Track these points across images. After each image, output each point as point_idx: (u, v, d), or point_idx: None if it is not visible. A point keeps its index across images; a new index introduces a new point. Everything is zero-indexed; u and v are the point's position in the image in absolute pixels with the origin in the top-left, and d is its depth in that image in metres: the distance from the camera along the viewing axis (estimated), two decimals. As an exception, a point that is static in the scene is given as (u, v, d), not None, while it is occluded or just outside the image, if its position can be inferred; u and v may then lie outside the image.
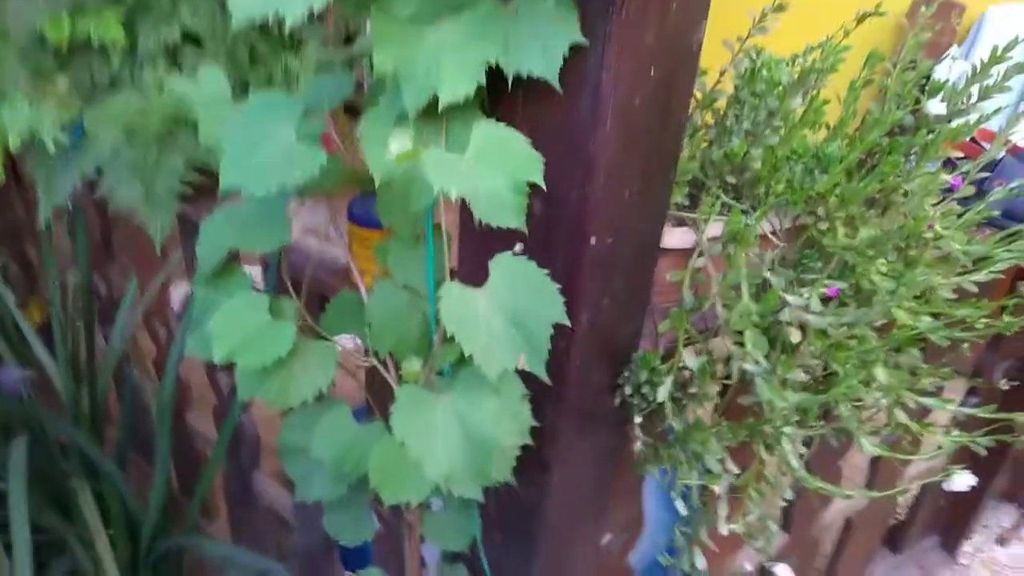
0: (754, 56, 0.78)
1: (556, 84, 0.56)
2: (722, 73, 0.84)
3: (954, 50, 1.80)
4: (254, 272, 0.81)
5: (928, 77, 0.86)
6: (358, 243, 0.88)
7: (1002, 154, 1.11)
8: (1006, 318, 0.79)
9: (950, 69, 1.86)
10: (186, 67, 1.00)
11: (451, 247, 0.73)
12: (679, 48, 0.63)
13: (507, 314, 0.60)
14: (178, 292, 1.70)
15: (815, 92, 0.78)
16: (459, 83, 0.55)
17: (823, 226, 0.81)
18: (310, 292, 0.85)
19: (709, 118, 0.87)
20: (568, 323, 0.62)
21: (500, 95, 0.60)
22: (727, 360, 0.77)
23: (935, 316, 0.78)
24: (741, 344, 0.75)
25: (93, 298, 1.51)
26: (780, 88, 0.77)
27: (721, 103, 0.86)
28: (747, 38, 0.82)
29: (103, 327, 1.60)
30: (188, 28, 1.02)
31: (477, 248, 0.72)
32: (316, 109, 0.69)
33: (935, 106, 0.72)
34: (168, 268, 1.36)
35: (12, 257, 1.99)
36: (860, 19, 0.83)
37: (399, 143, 0.56)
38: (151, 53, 1.00)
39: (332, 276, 0.96)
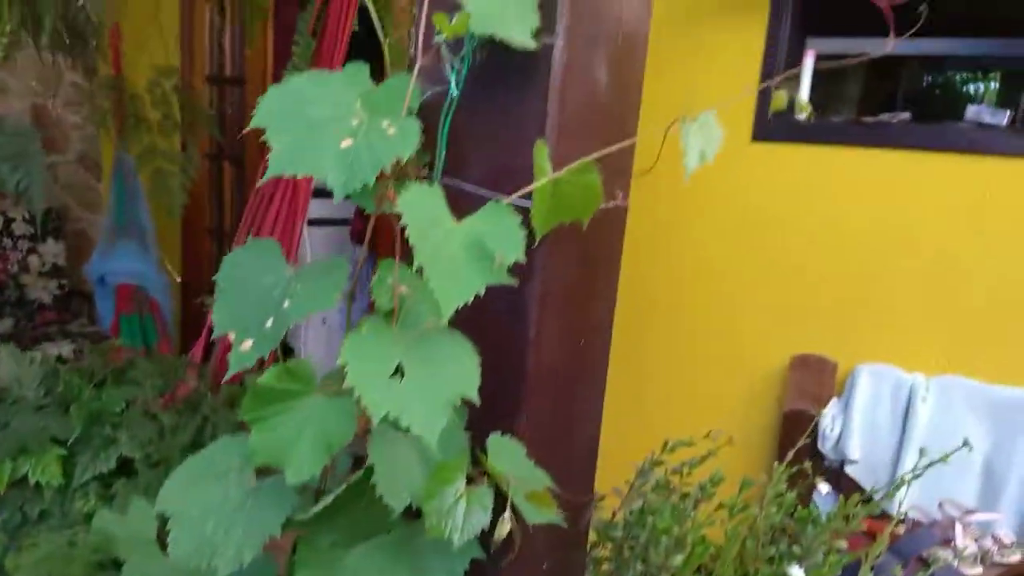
0: (638, 509, 0.89)
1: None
2: (614, 513, 0.95)
3: (832, 405, 2.01)
4: None
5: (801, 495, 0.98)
6: None
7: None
8: None
9: (832, 423, 2.04)
10: (116, 499, 1.05)
11: None
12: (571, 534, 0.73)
13: None
14: None
15: (697, 543, 0.88)
16: (371, 607, 0.61)
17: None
18: None
19: (607, 552, 0.96)
20: None
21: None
22: None
23: None
24: None
25: None
26: (664, 539, 0.87)
27: (617, 534, 0.96)
28: (633, 485, 0.94)
29: None
30: (124, 455, 1.09)
31: None
32: None
33: (796, 572, 0.83)
34: None
35: None
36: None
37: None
38: (84, 484, 1.05)
39: None
